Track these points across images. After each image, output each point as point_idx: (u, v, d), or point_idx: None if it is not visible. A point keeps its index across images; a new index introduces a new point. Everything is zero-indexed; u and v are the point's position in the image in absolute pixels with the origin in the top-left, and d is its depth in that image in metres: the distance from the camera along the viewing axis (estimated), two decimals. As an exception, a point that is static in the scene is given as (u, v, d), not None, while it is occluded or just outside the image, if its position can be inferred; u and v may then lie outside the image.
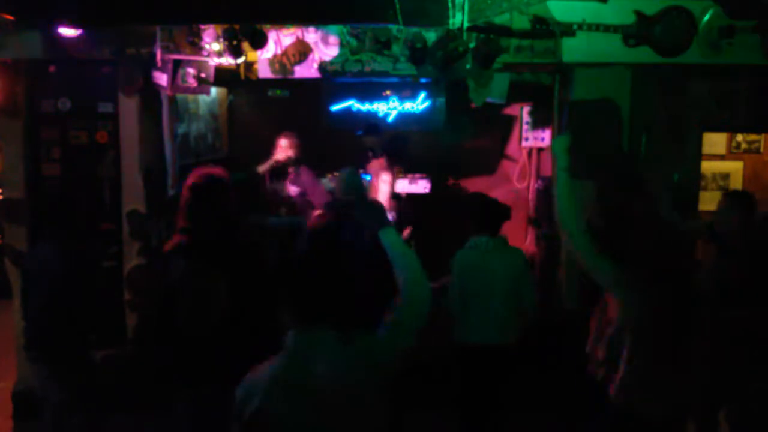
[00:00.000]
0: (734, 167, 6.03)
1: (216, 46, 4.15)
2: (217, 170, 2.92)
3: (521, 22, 3.99)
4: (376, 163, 5.75)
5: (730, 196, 3.58)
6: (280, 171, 5.30)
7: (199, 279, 2.77)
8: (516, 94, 5.51)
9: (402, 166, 5.81)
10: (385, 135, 5.98)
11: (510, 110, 6.39)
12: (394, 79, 5.32)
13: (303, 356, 1.78)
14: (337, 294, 1.84)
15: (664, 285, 2.54)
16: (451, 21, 3.48)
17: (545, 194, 5.50)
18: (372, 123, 6.13)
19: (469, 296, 3.54)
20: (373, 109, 6.61)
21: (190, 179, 2.86)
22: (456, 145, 6.57)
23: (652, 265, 2.59)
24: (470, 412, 3.62)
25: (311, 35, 4.31)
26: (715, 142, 5.89)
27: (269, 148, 5.34)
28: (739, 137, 5.97)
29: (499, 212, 3.65)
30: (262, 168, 5.27)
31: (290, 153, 5.22)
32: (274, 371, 1.79)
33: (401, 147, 5.99)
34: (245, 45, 4.04)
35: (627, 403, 2.62)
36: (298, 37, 4.29)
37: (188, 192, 2.83)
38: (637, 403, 2.60)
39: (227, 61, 4.22)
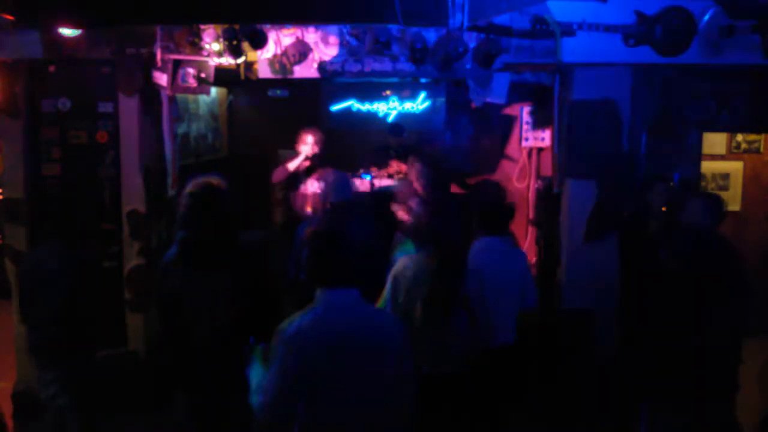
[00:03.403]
0: (734, 167, 6.03)
1: (216, 46, 4.15)
2: (214, 178, 2.91)
3: (521, 22, 3.99)
4: (394, 164, 5.76)
5: None
6: (309, 168, 5.26)
7: (198, 285, 2.77)
8: (516, 94, 5.51)
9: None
10: (407, 137, 6.01)
11: (510, 110, 6.40)
12: (394, 79, 5.32)
13: (331, 310, 2.16)
14: (353, 264, 2.22)
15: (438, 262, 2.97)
16: (451, 21, 3.48)
17: (545, 194, 5.50)
18: (397, 124, 6.17)
19: (481, 297, 3.52)
20: (373, 109, 6.63)
21: (188, 188, 2.86)
22: (456, 145, 6.58)
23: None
24: (473, 412, 3.62)
25: (311, 35, 4.31)
26: (715, 142, 5.89)
27: (269, 148, 5.34)
28: (739, 137, 5.97)
29: (508, 212, 3.65)
30: (292, 165, 5.24)
31: (317, 149, 5.20)
32: (308, 323, 2.12)
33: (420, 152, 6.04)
34: (245, 45, 4.03)
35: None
36: (298, 37, 4.29)
37: (186, 201, 2.83)
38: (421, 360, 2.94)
39: (227, 61, 4.22)
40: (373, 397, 2.17)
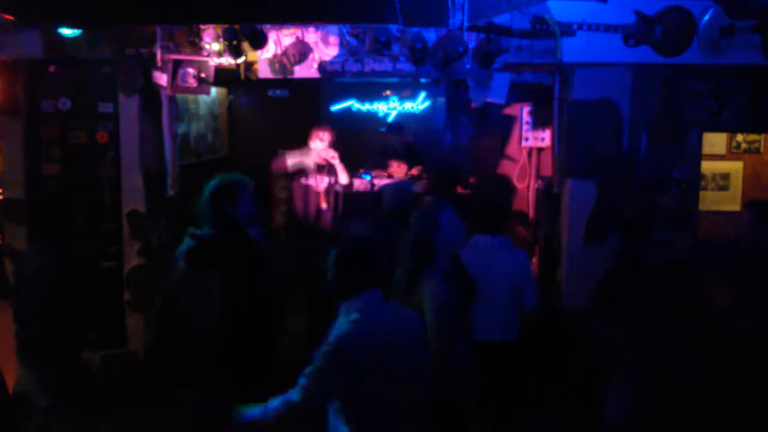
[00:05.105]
0: (734, 167, 6.03)
1: (216, 46, 4.15)
2: (237, 176, 2.94)
3: (521, 22, 3.99)
4: (394, 164, 5.77)
5: None
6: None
7: (202, 282, 2.78)
8: (516, 94, 5.51)
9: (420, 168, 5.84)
10: (406, 136, 6.03)
11: (510, 110, 6.40)
12: (394, 79, 5.32)
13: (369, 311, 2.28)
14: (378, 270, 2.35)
15: None
16: (451, 21, 3.49)
17: (545, 194, 5.51)
18: (396, 122, 6.19)
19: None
20: (373, 109, 6.64)
21: (211, 185, 2.87)
22: (456, 145, 6.58)
23: None
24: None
25: (311, 35, 4.31)
26: (715, 142, 5.89)
27: (269, 148, 5.32)
28: (739, 137, 5.97)
29: (503, 212, 3.68)
30: (291, 160, 5.02)
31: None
32: (355, 326, 2.22)
33: (420, 152, 6.06)
34: (245, 45, 4.03)
35: None
36: (298, 37, 4.29)
37: (209, 198, 2.84)
38: None
39: (227, 61, 4.23)
40: (410, 382, 2.34)
